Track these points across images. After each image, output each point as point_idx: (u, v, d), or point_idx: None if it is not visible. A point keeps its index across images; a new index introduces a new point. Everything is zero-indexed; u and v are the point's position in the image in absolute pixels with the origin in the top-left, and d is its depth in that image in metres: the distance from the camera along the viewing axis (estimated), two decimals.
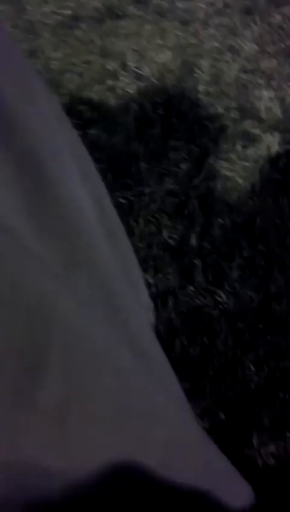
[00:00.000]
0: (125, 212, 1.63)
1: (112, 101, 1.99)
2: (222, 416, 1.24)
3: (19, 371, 0.25)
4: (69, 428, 0.29)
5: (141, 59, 2.22)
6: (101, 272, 0.35)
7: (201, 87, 2.09)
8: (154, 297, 1.45)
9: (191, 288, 1.48)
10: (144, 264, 1.51)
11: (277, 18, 2.52)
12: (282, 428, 1.24)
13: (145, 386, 0.35)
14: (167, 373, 0.45)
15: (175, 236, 1.58)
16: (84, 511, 0.31)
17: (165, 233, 1.59)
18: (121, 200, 1.65)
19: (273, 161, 1.82)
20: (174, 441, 0.37)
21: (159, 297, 1.45)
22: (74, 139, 0.41)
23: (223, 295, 1.46)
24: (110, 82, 2.08)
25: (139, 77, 2.12)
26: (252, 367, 1.33)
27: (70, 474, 0.30)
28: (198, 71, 2.17)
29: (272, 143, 1.87)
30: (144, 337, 0.40)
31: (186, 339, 1.37)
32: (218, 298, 1.46)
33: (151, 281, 1.48)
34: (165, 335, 1.37)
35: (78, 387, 0.29)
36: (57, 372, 0.27)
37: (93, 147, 1.77)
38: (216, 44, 2.33)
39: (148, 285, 1.47)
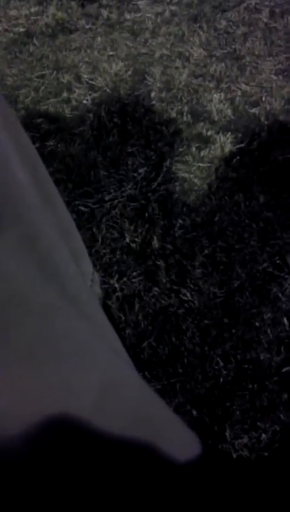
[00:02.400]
0: (87, 220, 1.57)
1: (68, 112, 1.93)
2: (194, 412, 1.20)
3: None
4: None
5: (94, 70, 2.16)
6: (31, 231, 0.33)
7: (154, 94, 2.05)
8: (120, 301, 1.40)
9: (156, 289, 1.43)
10: (109, 269, 1.46)
11: (223, 23, 2.51)
12: (253, 419, 1.21)
13: (76, 330, 0.34)
14: (106, 329, 0.42)
15: (137, 239, 1.53)
16: (16, 465, 0.29)
17: (127, 238, 1.54)
18: (82, 208, 1.60)
19: (227, 160, 1.79)
20: (109, 386, 0.35)
21: (125, 302, 1.40)
22: (5, 109, 0.38)
23: (187, 293, 1.42)
24: (65, 94, 2.02)
25: (93, 88, 2.07)
26: (220, 361, 1.29)
27: (2, 422, 0.28)
28: (150, 79, 2.13)
29: (225, 143, 1.84)
30: (80, 294, 0.38)
31: (154, 340, 1.32)
32: (183, 297, 1.41)
33: (116, 285, 1.43)
34: (134, 338, 1.32)
35: (1, 328, 0.27)
36: None
37: (52, 158, 1.71)
38: (166, 52, 2.29)
39: (114, 290, 1.41)
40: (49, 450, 0.30)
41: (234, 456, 1.14)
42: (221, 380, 1.26)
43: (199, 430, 1.18)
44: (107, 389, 0.34)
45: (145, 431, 0.37)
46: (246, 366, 1.29)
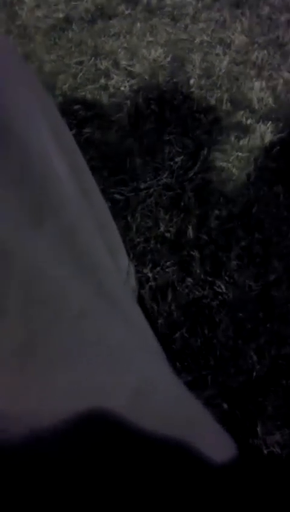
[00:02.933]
0: (122, 208, 1.58)
1: (105, 99, 1.94)
2: (225, 406, 1.19)
3: None
4: (30, 373, 0.27)
5: (132, 57, 2.16)
6: (70, 225, 0.33)
7: (193, 81, 2.02)
8: (153, 291, 1.40)
9: (190, 280, 1.42)
10: (142, 258, 1.46)
11: (266, 9, 2.45)
12: (286, 415, 1.19)
13: (112, 330, 0.34)
14: (141, 325, 0.42)
15: (172, 229, 1.53)
16: (47, 458, 0.29)
17: (162, 227, 1.53)
18: (117, 196, 1.60)
19: (267, 150, 1.76)
20: (145, 386, 0.35)
21: (158, 291, 1.40)
22: (46, 99, 0.38)
23: (222, 286, 1.41)
24: (103, 81, 2.02)
25: (131, 75, 2.06)
26: (254, 356, 1.28)
27: (32, 421, 0.28)
28: (189, 65, 2.10)
29: (265, 132, 1.81)
30: (115, 290, 0.38)
31: (187, 331, 1.32)
32: (217, 289, 1.40)
33: (150, 274, 1.43)
34: (166, 328, 1.32)
35: (38, 330, 0.27)
36: (15, 315, 0.26)
37: (89, 145, 1.71)
38: (206, 38, 2.26)
39: (147, 279, 1.42)
40: (80, 447, 0.30)
41: (265, 452, 1.13)
42: (254, 374, 1.25)
43: (230, 424, 1.17)
44: (143, 390, 0.34)
45: (180, 431, 0.37)
46: (280, 361, 1.27)
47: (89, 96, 1.95)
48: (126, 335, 0.36)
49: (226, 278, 1.43)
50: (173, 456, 0.36)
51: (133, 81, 2.02)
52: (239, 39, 2.25)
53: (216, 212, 1.57)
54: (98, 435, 0.31)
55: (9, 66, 0.33)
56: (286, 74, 2.06)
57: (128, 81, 2.02)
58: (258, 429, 1.17)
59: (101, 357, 0.32)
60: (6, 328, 0.25)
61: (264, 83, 2.02)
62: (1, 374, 0.26)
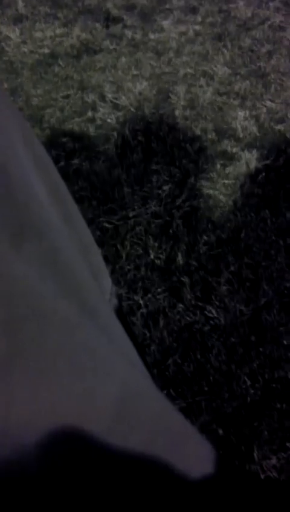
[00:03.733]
0: (112, 237, 1.62)
1: (92, 131, 2.01)
2: (221, 432, 1.21)
3: None
4: (13, 384, 0.28)
5: (118, 90, 2.25)
6: (52, 246, 0.35)
7: (178, 112, 2.11)
8: (145, 318, 1.43)
9: (181, 306, 1.46)
10: (133, 285, 1.50)
11: (247, 41, 2.58)
12: (282, 439, 1.21)
13: (95, 343, 0.35)
14: (124, 341, 0.44)
15: (162, 256, 1.57)
16: (28, 476, 0.30)
17: (152, 254, 1.58)
18: (106, 225, 1.65)
19: (252, 177, 1.83)
20: (128, 397, 0.36)
21: (150, 318, 1.43)
22: (27, 128, 0.41)
23: (213, 310, 1.45)
24: (90, 114, 2.11)
25: (117, 107, 2.15)
26: (247, 380, 1.31)
27: (13, 432, 0.29)
28: (174, 97, 2.20)
29: (250, 160, 1.89)
30: (98, 308, 0.40)
31: (179, 357, 1.35)
32: (208, 314, 1.44)
33: (141, 301, 1.47)
34: (159, 355, 1.35)
35: (21, 343, 0.28)
36: None
37: (77, 176, 1.77)
38: (190, 70, 2.37)
39: (138, 306, 1.45)
40: (63, 461, 0.31)
41: (262, 477, 1.15)
42: (248, 399, 1.27)
43: (226, 450, 1.18)
44: (126, 400, 0.35)
45: (162, 444, 0.38)
46: (274, 385, 1.30)
47: (76, 128, 2.03)
48: (108, 348, 0.37)
49: (217, 302, 1.47)
50: (153, 471, 0.37)
51: (119, 113, 2.10)
52: (222, 71, 2.36)
53: (205, 238, 1.63)
54: (81, 451, 0.32)
55: None
56: (268, 103, 2.16)
57: (114, 114, 2.11)
58: (255, 454, 1.18)
59: (85, 368, 0.33)
60: None
61: (247, 112, 2.12)
62: None
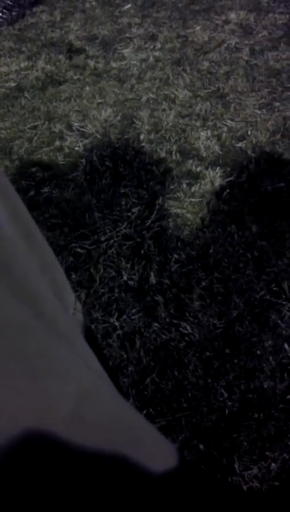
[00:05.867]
0: (85, 261, 1.63)
1: (61, 160, 2.03)
2: (202, 447, 1.21)
3: None
4: None
5: (84, 118, 2.28)
6: (7, 259, 0.36)
7: (143, 137, 2.15)
8: (121, 339, 1.44)
9: (156, 324, 1.47)
10: (108, 308, 1.50)
11: (205, 64, 2.65)
12: (261, 449, 1.21)
13: (52, 347, 0.36)
14: (85, 351, 0.44)
15: (135, 277, 1.58)
16: None
17: (125, 276, 1.59)
18: (79, 250, 1.66)
19: (218, 194, 1.86)
20: (86, 397, 0.36)
21: (126, 339, 1.43)
22: None
23: (187, 327, 1.46)
24: (57, 143, 2.13)
25: (84, 135, 2.18)
26: (224, 393, 1.31)
27: None
28: (138, 122, 2.24)
29: (214, 178, 1.92)
30: (57, 318, 0.40)
31: (157, 376, 1.35)
32: (183, 330, 1.45)
33: (116, 324, 1.47)
34: (137, 375, 1.35)
35: None
36: None
37: (48, 204, 1.78)
38: (152, 95, 2.42)
39: (114, 328, 1.45)
40: (23, 463, 0.31)
41: (245, 488, 1.15)
42: (226, 411, 1.28)
43: (207, 464, 1.18)
44: (84, 400, 0.35)
45: (121, 442, 0.38)
46: (250, 395, 1.31)
47: (45, 158, 2.05)
48: (66, 352, 0.37)
49: (190, 318, 1.48)
50: (113, 468, 0.37)
51: (86, 141, 2.13)
52: (183, 94, 2.42)
53: (175, 256, 1.64)
54: (40, 451, 0.31)
55: None
56: (229, 122, 2.22)
57: (81, 141, 2.13)
58: (236, 466, 1.18)
59: (41, 371, 0.33)
60: None
61: (209, 132, 2.16)
62: None
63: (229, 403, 1.29)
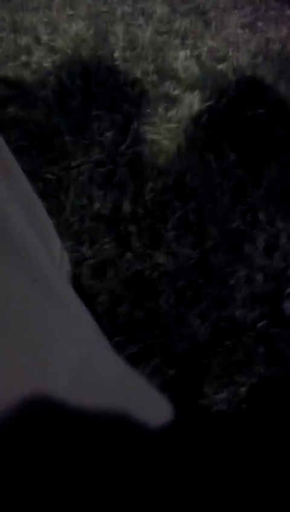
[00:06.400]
0: (55, 188, 1.55)
1: (28, 76, 1.88)
2: (172, 372, 1.23)
3: None
4: None
5: (53, 31, 2.09)
6: (4, 220, 0.35)
7: (117, 54, 2.00)
8: (93, 269, 1.40)
9: (129, 254, 1.43)
10: (79, 237, 1.45)
11: None
12: (231, 373, 1.24)
13: (52, 312, 0.35)
14: (75, 303, 0.44)
15: (107, 205, 1.53)
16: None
17: (96, 204, 1.53)
18: (48, 175, 1.57)
19: (196, 119, 1.77)
20: (86, 361, 0.36)
21: (98, 269, 1.40)
22: None
23: (161, 256, 1.43)
24: (24, 58, 1.96)
25: (53, 50, 2.00)
26: (196, 320, 1.32)
27: None
28: (113, 38, 2.07)
29: (192, 102, 1.82)
30: (48, 275, 0.39)
31: (130, 305, 1.34)
32: (157, 260, 1.42)
33: (89, 253, 1.43)
34: (109, 304, 1.33)
35: None
36: None
37: (14, 125, 1.66)
38: (128, 9, 2.22)
39: (85, 258, 1.41)
40: (27, 430, 0.31)
41: (214, 410, 1.18)
42: (198, 338, 1.29)
43: (177, 389, 1.21)
44: (84, 364, 0.35)
45: (122, 401, 0.39)
46: (222, 323, 1.32)
47: (10, 74, 1.89)
48: (63, 316, 0.37)
49: (165, 248, 1.45)
50: (114, 427, 0.37)
51: (55, 57, 1.97)
52: (161, 8, 2.23)
53: (150, 184, 1.58)
54: (42, 418, 0.31)
55: None
56: (209, 42, 2.07)
57: (50, 57, 1.97)
58: (205, 389, 1.21)
59: (41, 338, 0.32)
60: None
61: (188, 52, 2.03)
62: None
63: (202, 330, 1.30)
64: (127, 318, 1.31)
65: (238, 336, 1.28)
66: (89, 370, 0.36)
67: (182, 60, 1.98)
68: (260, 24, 2.17)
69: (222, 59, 1.99)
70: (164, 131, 1.74)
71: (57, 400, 0.32)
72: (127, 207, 1.53)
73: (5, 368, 0.30)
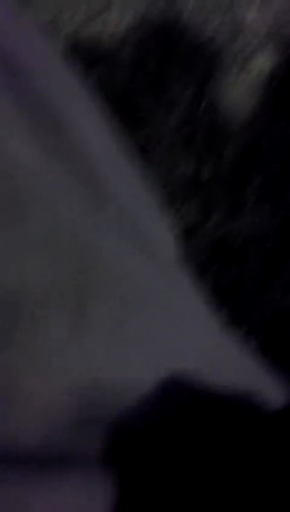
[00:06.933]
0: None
1: (106, 39, 1.86)
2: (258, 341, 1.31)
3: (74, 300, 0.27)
4: (126, 342, 0.29)
5: None
6: (124, 206, 0.35)
7: (187, 10, 1.95)
8: (176, 236, 1.47)
9: (211, 221, 1.49)
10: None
11: None
12: None
13: (180, 307, 0.36)
14: (194, 297, 0.44)
15: (189, 168, 1.56)
16: (151, 429, 0.31)
17: (180, 168, 1.56)
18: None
19: (271, 75, 1.76)
20: (208, 354, 0.37)
21: (180, 236, 1.46)
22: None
23: (243, 224, 1.48)
24: (100, 19, 1.93)
25: (125, 13, 1.96)
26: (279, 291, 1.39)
27: (133, 390, 0.29)
28: None
29: (267, 57, 1.79)
30: (169, 263, 0.39)
31: (214, 272, 1.41)
32: (238, 228, 1.48)
33: (175, 217, 1.49)
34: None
35: (91, 295, 0.28)
36: (66, 285, 0.27)
37: (98, 91, 1.68)
38: None
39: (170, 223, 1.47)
40: (166, 418, 0.31)
41: None
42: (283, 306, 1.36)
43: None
44: (206, 357, 0.35)
45: (242, 386, 0.38)
46: None
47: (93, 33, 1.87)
48: (186, 305, 0.37)
49: (246, 217, 1.50)
50: (239, 410, 0.37)
51: (129, 19, 1.93)
52: None
53: (230, 147, 1.60)
54: (178, 400, 0.32)
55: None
56: None
57: (124, 19, 1.93)
58: None
59: (164, 327, 0.32)
60: (57, 299, 0.26)
61: (260, 5, 1.96)
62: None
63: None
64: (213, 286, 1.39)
65: None
66: (213, 363, 0.36)
67: (253, 13, 1.93)
68: None
69: None
70: (242, 88, 1.73)
71: (190, 381, 0.32)
72: (208, 171, 1.56)
73: (147, 349, 0.30)
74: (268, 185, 1.55)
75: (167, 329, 0.32)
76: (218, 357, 0.37)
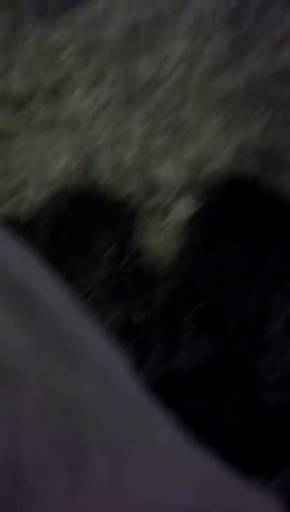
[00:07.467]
0: None
1: (22, 214, 2.25)
2: None
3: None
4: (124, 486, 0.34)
5: (42, 167, 2.52)
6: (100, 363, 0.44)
7: (104, 178, 2.40)
8: None
9: (151, 361, 1.63)
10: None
11: (157, 98, 2.97)
12: None
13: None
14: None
15: (119, 318, 1.76)
16: None
17: (109, 319, 1.76)
18: None
19: (192, 220, 2.09)
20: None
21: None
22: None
23: (183, 358, 1.62)
24: (15, 198, 2.35)
25: (43, 186, 2.41)
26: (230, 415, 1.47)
27: None
28: (98, 165, 2.49)
29: (185, 206, 2.16)
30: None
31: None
32: (179, 362, 1.61)
33: None
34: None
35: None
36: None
37: None
38: (107, 137, 2.69)
39: None
40: None
41: None
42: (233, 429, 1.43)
43: None
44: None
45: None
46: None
47: (3, 215, 2.26)
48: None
49: (185, 350, 1.65)
50: None
51: (46, 191, 2.36)
52: (138, 131, 2.70)
53: (160, 288, 1.84)
54: None
55: None
56: (190, 151, 2.48)
57: (42, 192, 2.36)
58: None
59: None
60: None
61: (174, 162, 2.42)
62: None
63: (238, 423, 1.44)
64: None
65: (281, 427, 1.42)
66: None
67: (168, 171, 2.37)
68: (236, 124, 2.61)
69: (205, 162, 2.38)
70: (162, 238, 2.04)
71: None
72: (140, 315, 1.76)
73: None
74: (205, 314, 1.74)
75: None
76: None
